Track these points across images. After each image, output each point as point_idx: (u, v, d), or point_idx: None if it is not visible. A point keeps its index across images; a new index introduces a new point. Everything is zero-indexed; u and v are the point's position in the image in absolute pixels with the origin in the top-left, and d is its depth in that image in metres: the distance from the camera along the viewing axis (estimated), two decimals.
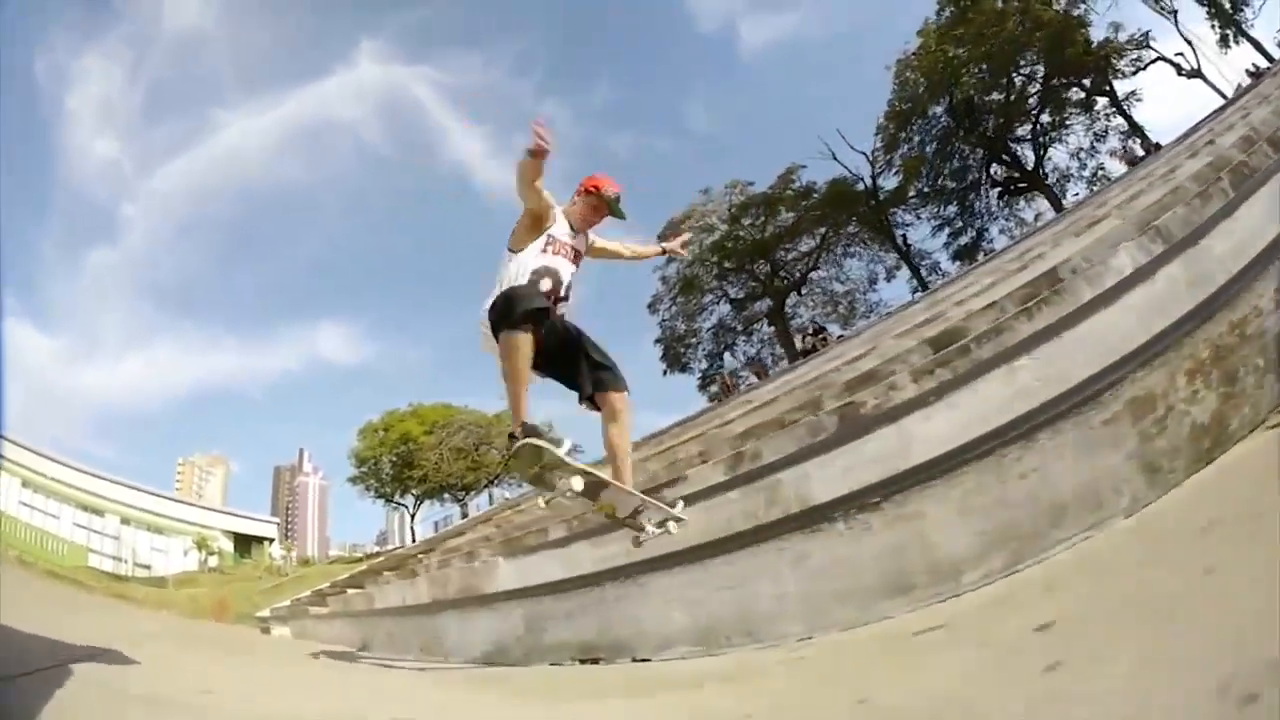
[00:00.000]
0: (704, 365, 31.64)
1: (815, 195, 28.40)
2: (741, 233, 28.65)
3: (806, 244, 29.38)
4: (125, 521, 38.32)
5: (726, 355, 31.37)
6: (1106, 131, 25.76)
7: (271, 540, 49.27)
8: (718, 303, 31.35)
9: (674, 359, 31.59)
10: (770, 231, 28.61)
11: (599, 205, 3.17)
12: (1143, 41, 24.31)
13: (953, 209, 27.85)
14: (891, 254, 29.07)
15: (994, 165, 27.25)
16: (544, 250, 2.97)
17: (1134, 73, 24.62)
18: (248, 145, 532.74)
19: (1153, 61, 24.38)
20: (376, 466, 36.26)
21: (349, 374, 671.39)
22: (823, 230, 28.79)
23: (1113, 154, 24.78)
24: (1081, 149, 26.16)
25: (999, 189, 27.45)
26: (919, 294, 21.15)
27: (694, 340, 31.51)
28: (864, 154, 28.25)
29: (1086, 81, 25.09)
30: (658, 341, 31.93)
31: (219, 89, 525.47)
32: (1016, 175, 27.05)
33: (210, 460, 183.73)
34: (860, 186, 28.28)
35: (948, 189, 27.28)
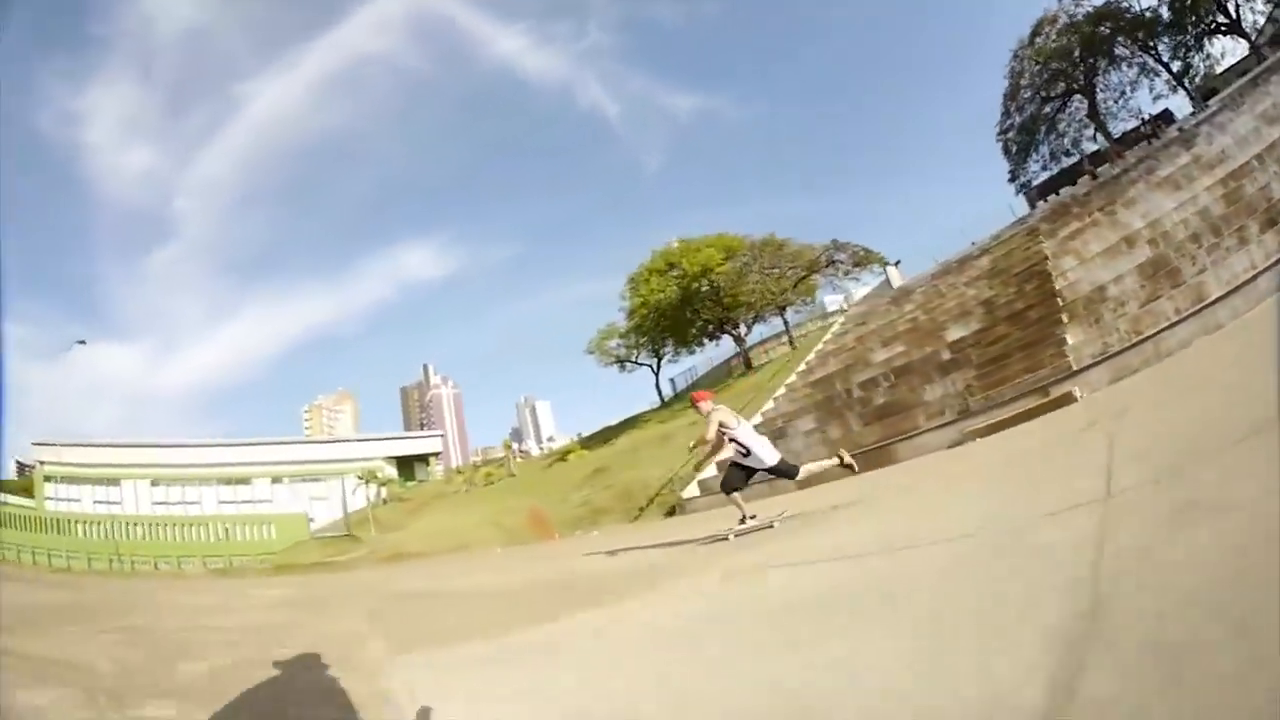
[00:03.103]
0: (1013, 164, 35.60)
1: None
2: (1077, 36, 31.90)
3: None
4: (276, 480, 38.80)
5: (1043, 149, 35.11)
6: None
7: (437, 454, 50.86)
8: (1032, 101, 34.42)
9: (1007, 150, 35.45)
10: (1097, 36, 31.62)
11: None
12: None
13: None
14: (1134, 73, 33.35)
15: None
16: None
17: None
18: (283, 106, 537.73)
19: None
20: (644, 320, 34.64)
21: (442, 285, 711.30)
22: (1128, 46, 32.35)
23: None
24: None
25: (1202, 28, 31.09)
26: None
27: (1020, 135, 35.29)
28: None
29: None
30: (1000, 134, 35.60)
31: (236, 66, 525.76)
32: (1223, 20, 30.50)
33: (336, 399, 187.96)
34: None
35: (1184, 23, 31.20)
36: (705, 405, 6.84)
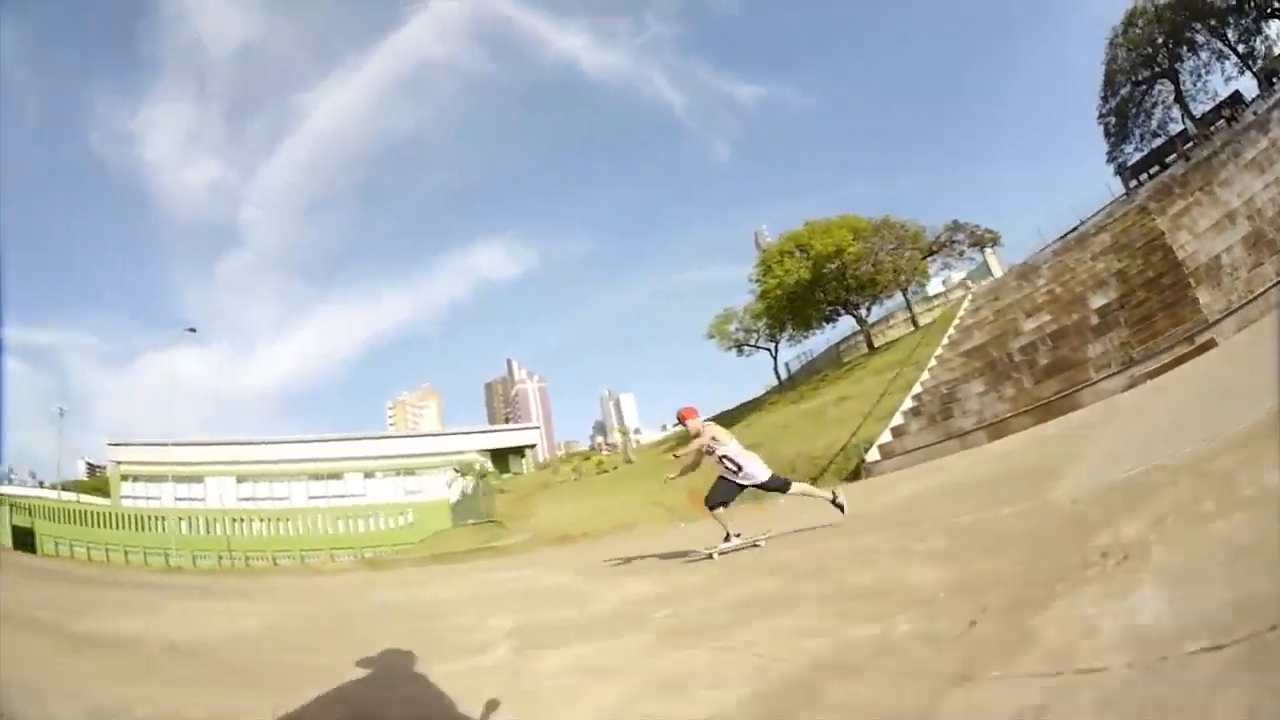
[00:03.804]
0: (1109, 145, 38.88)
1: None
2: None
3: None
4: (369, 475, 39.01)
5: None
6: None
7: (532, 446, 51.29)
8: (1124, 85, 37.53)
9: (1107, 132, 38.94)
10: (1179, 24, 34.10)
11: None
12: None
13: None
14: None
15: None
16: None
17: None
18: (346, 114, 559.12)
19: None
20: (774, 302, 35.56)
21: (518, 282, 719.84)
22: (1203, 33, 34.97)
23: None
24: None
25: (1257, 13, 33.59)
26: None
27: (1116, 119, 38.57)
28: None
29: None
30: (1100, 118, 38.97)
31: (294, 77, 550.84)
32: (1276, 4, 32.79)
33: (420, 395, 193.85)
34: None
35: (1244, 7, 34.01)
36: (694, 423, 7.42)
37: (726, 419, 34.83)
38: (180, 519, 25.97)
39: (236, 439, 41.40)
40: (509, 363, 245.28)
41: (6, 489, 34.76)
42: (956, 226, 33.75)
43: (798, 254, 34.26)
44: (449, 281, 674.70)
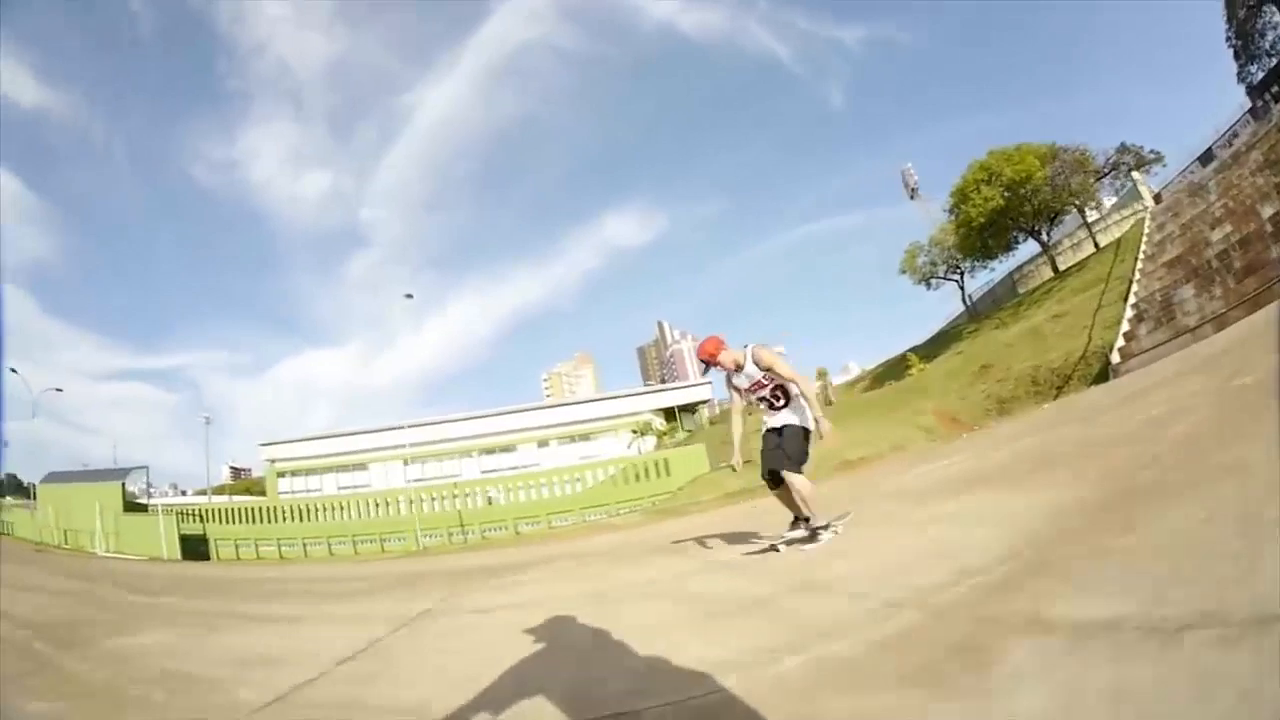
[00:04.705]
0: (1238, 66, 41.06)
1: None
2: None
3: None
4: (542, 444, 39.60)
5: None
6: None
7: (705, 402, 49.41)
8: (1241, 9, 39.66)
9: (1236, 55, 41.13)
10: None
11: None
12: None
13: None
14: None
15: None
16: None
17: None
18: (451, 107, 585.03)
19: None
20: (972, 231, 35.36)
21: (652, 248, 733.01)
22: None
23: None
24: None
25: None
26: None
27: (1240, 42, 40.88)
28: None
29: None
30: (1228, 42, 40.55)
31: (389, 81, 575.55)
32: None
33: (575, 364, 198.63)
34: None
35: None
36: (728, 355, 5.23)
37: (928, 351, 36.54)
38: (414, 499, 25.14)
39: (399, 424, 40.21)
40: (660, 325, 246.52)
41: (162, 501, 33.26)
42: (1124, 149, 34.52)
43: (992, 182, 34.18)
44: (580, 255, 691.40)
